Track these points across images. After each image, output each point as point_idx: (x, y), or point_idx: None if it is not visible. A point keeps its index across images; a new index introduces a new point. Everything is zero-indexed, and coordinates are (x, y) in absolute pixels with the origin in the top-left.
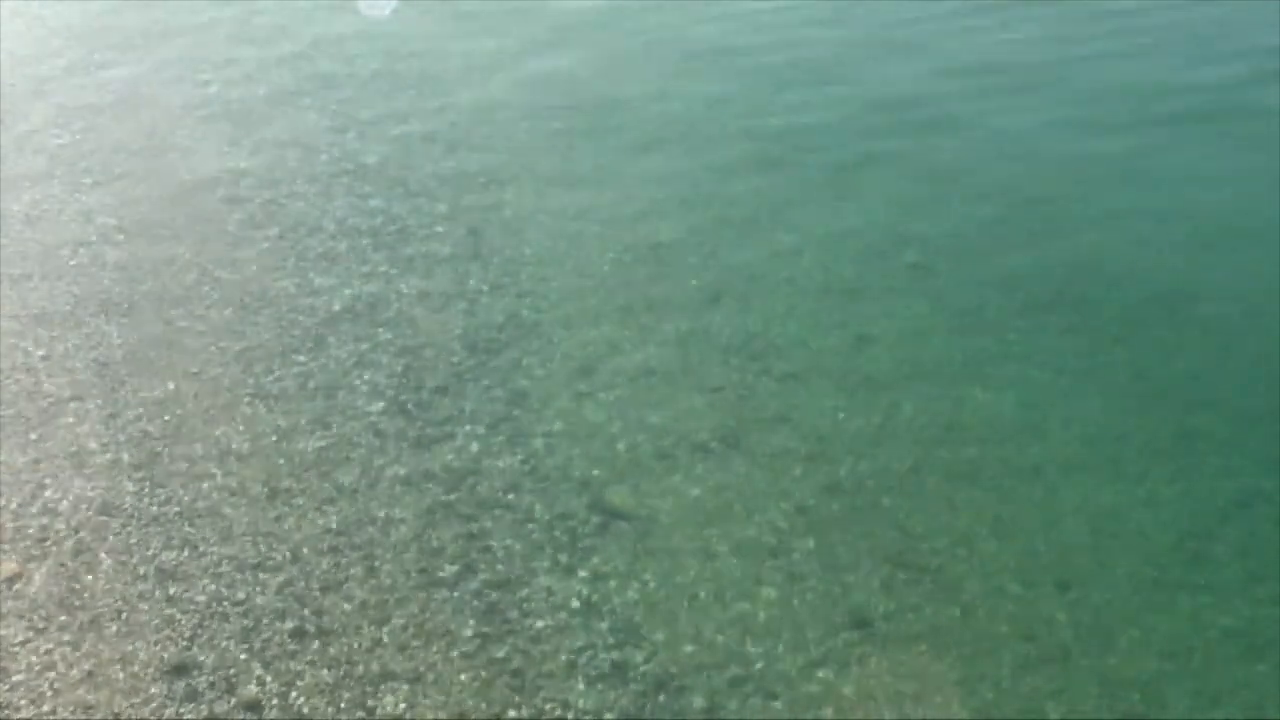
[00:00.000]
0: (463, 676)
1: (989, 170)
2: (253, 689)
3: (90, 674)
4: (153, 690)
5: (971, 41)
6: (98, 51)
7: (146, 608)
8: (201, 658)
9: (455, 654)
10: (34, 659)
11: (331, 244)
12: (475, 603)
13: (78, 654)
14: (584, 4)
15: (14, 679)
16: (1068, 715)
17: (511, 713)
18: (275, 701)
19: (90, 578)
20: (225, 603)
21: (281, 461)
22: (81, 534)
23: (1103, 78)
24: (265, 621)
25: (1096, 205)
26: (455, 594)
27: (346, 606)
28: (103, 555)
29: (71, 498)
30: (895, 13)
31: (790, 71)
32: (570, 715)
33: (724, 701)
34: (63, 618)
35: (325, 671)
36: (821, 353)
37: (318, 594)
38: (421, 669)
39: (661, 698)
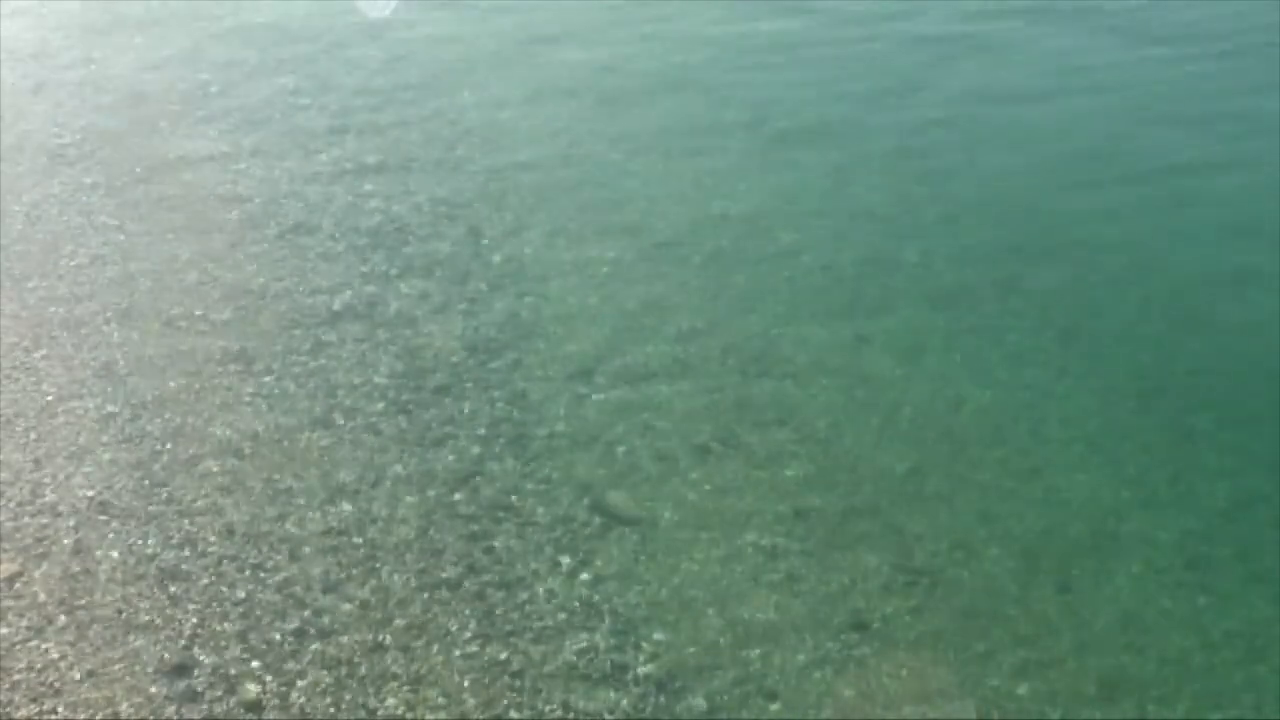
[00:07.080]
0: (463, 678)
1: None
2: (253, 689)
3: (90, 674)
4: (152, 690)
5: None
6: (97, 49)
7: (146, 607)
8: (201, 657)
9: (456, 655)
10: (34, 658)
11: (331, 244)
12: (476, 604)
13: (77, 653)
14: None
15: (14, 678)
16: (1067, 717)
17: (513, 714)
18: (275, 702)
19: (90, 577)
20: (225, 602)
21: (281, 461)
22: (81, 533)
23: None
24: (266, 621)
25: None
26: (456, 595)
27: (347, 607)
28: (102, 555)
29: (71, 497)
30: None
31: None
32: (571, 717)
33: (724, 703)
34: (62, 617)
35: (325, 672)
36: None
37: (319, 594)
38: (422, 670)
39: (662, 699)
